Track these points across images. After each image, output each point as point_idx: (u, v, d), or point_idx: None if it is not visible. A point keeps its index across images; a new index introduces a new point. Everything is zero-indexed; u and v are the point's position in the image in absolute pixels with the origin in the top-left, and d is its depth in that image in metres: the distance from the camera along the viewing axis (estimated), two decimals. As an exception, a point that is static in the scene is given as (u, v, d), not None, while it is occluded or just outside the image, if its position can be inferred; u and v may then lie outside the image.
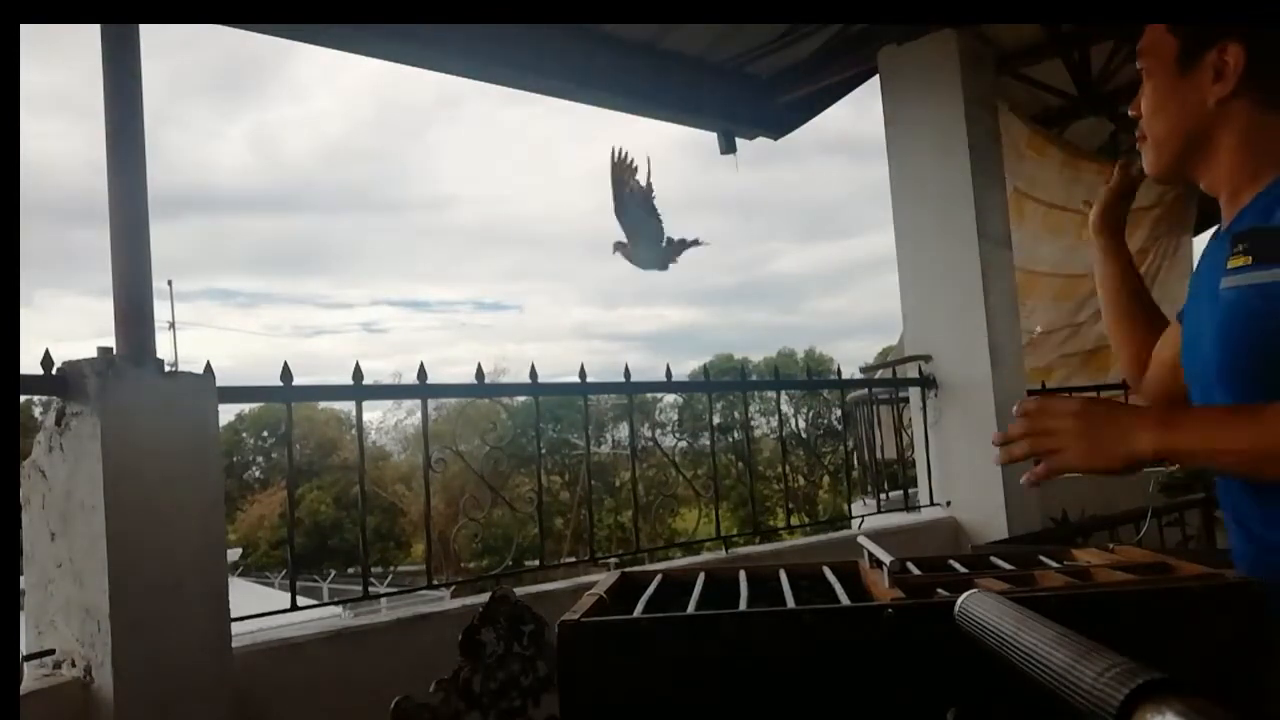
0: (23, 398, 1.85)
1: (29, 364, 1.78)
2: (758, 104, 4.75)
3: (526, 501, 3.31)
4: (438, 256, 60.02)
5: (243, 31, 3.26)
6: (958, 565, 1.27)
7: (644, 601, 1.13)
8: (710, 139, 4.82)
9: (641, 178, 3.36)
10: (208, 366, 2.05)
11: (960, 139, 4.07)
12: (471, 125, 60.92)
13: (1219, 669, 0.93)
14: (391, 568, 25.95)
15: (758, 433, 15.69)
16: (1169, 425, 1.05)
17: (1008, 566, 1.21)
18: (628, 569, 1.39)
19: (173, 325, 22.20)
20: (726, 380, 6.86)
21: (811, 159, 57.86)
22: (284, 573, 5.80)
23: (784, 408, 4.04)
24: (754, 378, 6.49)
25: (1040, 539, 3.60)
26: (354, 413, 2.50)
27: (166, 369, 1.96)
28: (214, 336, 43.12)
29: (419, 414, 2.58)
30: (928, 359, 4.14)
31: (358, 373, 2.38)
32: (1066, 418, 1.08)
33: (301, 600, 2.57)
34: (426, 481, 2.59)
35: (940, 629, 0.85)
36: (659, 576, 1.28)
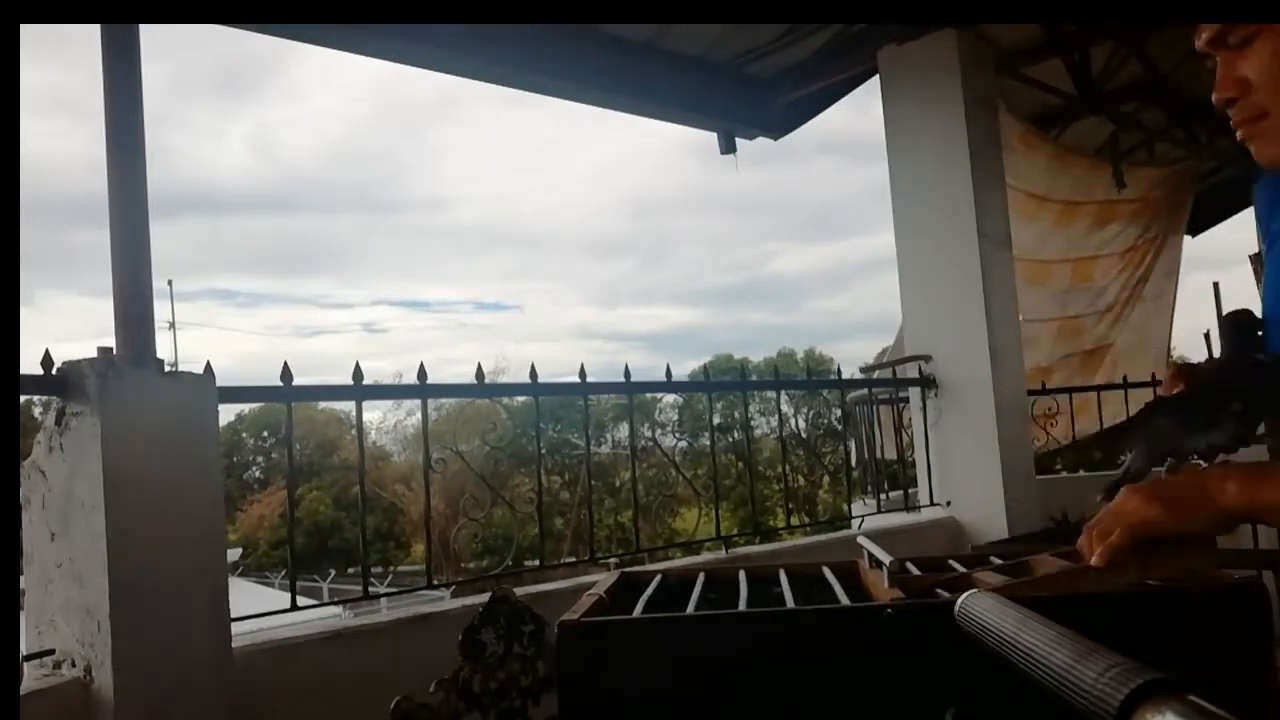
0: (23, 398, 1.85)
1: (29, 364, 1.78)
2: (758, 104, 4.75)
3: (526, 501, 3.30)
4: (438, 256, 60.08)
5: (243, 31, 3.26)
6: (957, 565, 1.27)
7: (644, 601, 1.13)
8: (710, 139, 4.83)
9: None
10: (208, 366, 2.05)
11: (960, 139, 4.07)
12: (471, 125, 60.94)
13: (1219, 669, 0.92)
14: (391, 568, 25.96)
15: (758, 433, 15.66)
16: (1256, 479, 0.94)
17: (1002, 561, 1.21)
18: (628, 569, 1.39)
19: (173, 325, 22.26)
20: (726, 380, 6.86)
21: (811, 159, 57.86)
22: (284, 573, 5.79)
23: (784, 408, 4.03)
24: (754, 378, 6.49)
25: (1040, 539, 3.60)
26: (354, 413, 2.50)
27: (166, 369, 1.96)
28: (214, 336, 43.22)
29: (419, 414, 2.58)
30: (928, 359, 4.14)
31: (358, 373, 2.38)
32: (1136, 496, 0.97)
33: (301, 600, 2.57)
34: (426, 481, 2.59)
35: (940, 629, 0.85)
36: (659, 576, 1.29)
